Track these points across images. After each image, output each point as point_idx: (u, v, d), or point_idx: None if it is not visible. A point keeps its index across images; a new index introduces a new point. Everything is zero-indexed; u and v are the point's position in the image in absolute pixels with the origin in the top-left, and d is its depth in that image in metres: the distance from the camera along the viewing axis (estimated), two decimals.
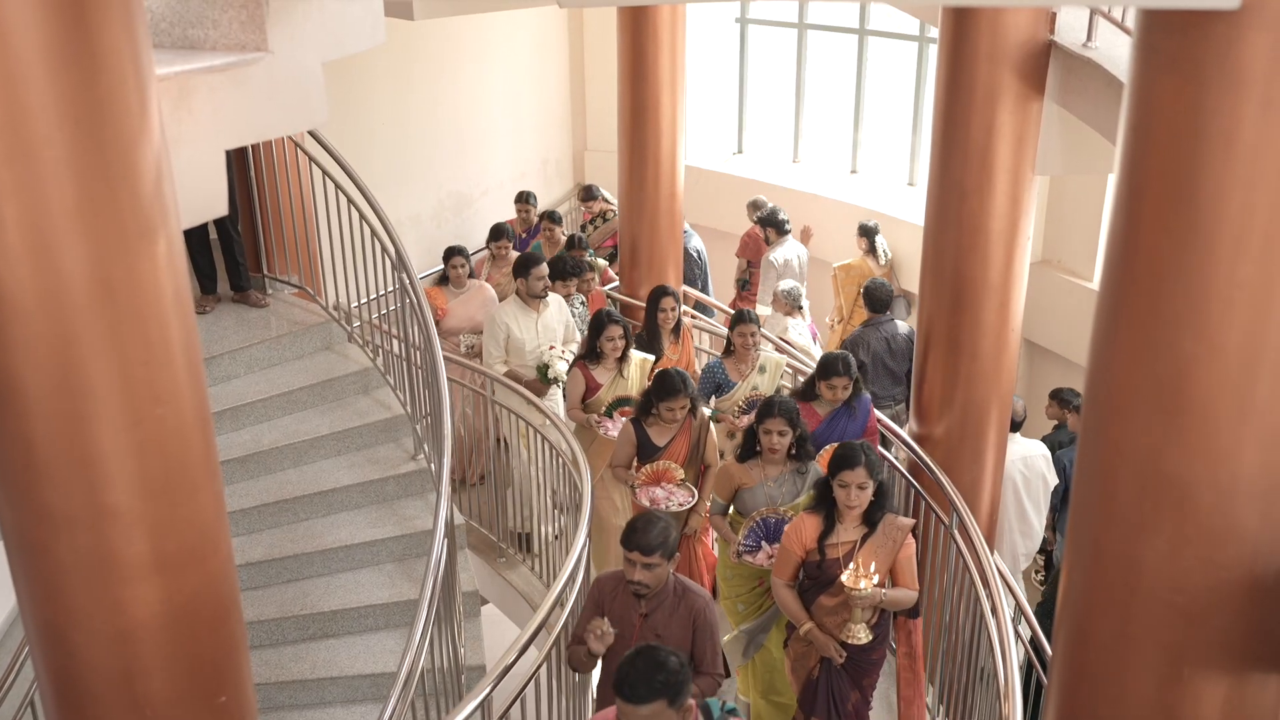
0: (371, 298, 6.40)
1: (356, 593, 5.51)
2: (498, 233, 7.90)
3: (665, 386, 5.22)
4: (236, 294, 6.64)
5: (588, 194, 9.30)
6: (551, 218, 8.45)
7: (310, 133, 6.13)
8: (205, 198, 2.92)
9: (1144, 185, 2.32)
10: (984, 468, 5.75)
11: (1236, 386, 2.29)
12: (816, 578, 4.48)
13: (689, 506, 5.24)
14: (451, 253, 7.12)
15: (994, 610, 4.63)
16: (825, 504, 4.46)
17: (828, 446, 5.15)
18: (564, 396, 6.36)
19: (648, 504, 5.15)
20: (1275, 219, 2.17)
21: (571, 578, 4.52)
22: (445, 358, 6.20)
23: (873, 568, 4.30)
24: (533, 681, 4.17)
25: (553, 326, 6.55)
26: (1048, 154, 5.14)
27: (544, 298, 6.48)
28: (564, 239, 8.31)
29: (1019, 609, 5.13)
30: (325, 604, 5.44)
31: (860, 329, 7.37)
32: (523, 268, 6.45)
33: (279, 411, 6.04)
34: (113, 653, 2.55)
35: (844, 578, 4.28)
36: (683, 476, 5.27)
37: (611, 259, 8.65)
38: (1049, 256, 8.49)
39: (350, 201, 6.06)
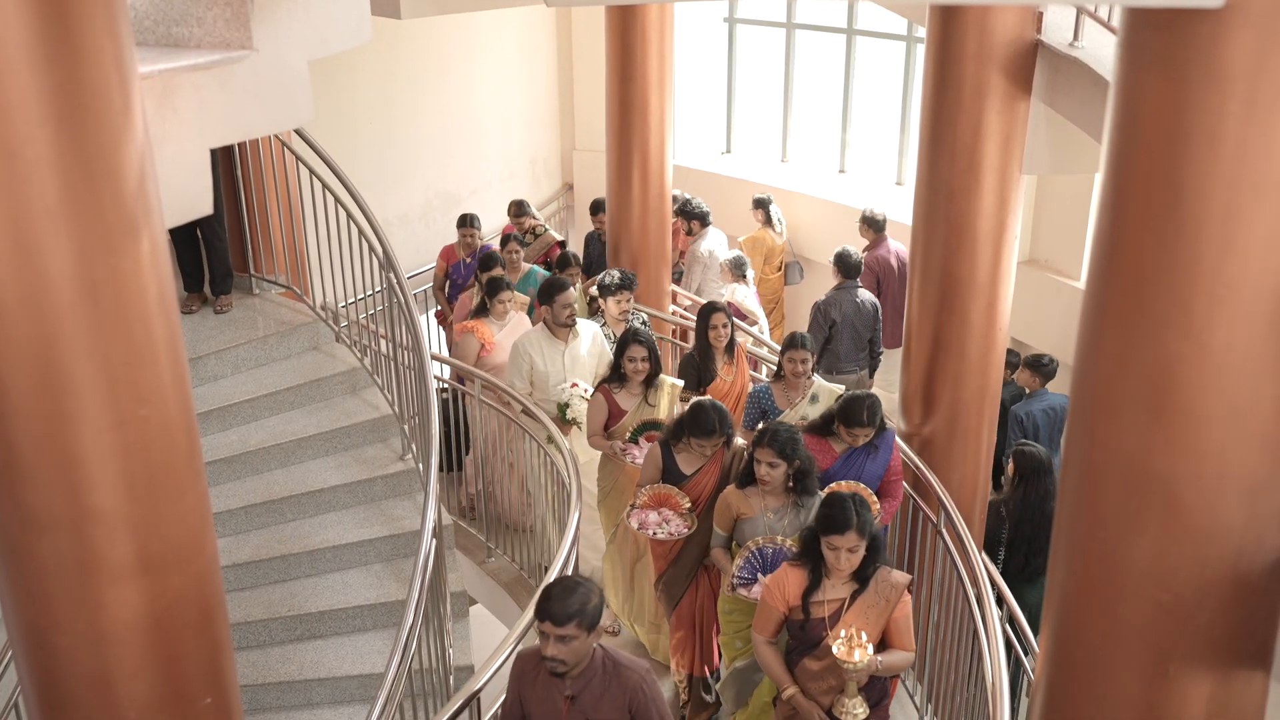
0: (359, 297, 6.37)
1: (344, 593, 5.49)
2: (488, 261, 7.08)
3: (699, 425, 4.71)
4: (214, 297, 6.56)
5: (519, 210, 8.88)
6: (519, 240, 7.94)
7: (297, 131, 6.10)
8: (190, 197, 2.91)
9: (1129, 184, 2.33)
10: (972, 466, 5.77)
11: (1222, 385, 2.30)
12: (800, 639, 4.03)
13: (681, 538, 4.81)
14: (498, 286, 6.47)
15: (981, 608, 4.64)
16: (811, 556, 3.98)
17: (835, 484, 4.79)
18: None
19: (636, 527, 4.81)
20: (1260, 217, 2.17)
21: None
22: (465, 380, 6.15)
23: (864, 637, 3.82)
24: None
25: (582, 358, 6.01)
26: (1035, 153, 5.16)
27: (572, 326, 5.96)
28: (524, 266, 7.78)
29: (1006, 606, 5.14)
30: (313, 605, 5.42)
31: (833, 291, 7.82)
32: (547, 293, 5.94)
33: (266, 412, 6.01)
34: (96, 655, 2.53)
35: (836, 649, 3.78)
36: (689, 505, 4.82)
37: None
38: (1036, 256, 8.51)
39: (338, 201, 6.04)
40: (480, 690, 3.90)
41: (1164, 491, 2.39)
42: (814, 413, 5.43)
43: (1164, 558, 2.44)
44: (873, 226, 8.36)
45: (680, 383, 5.66)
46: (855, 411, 4.88)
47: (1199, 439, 2.34)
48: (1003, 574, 5.91)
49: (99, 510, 2.40)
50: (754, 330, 7.90)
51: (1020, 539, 5.86)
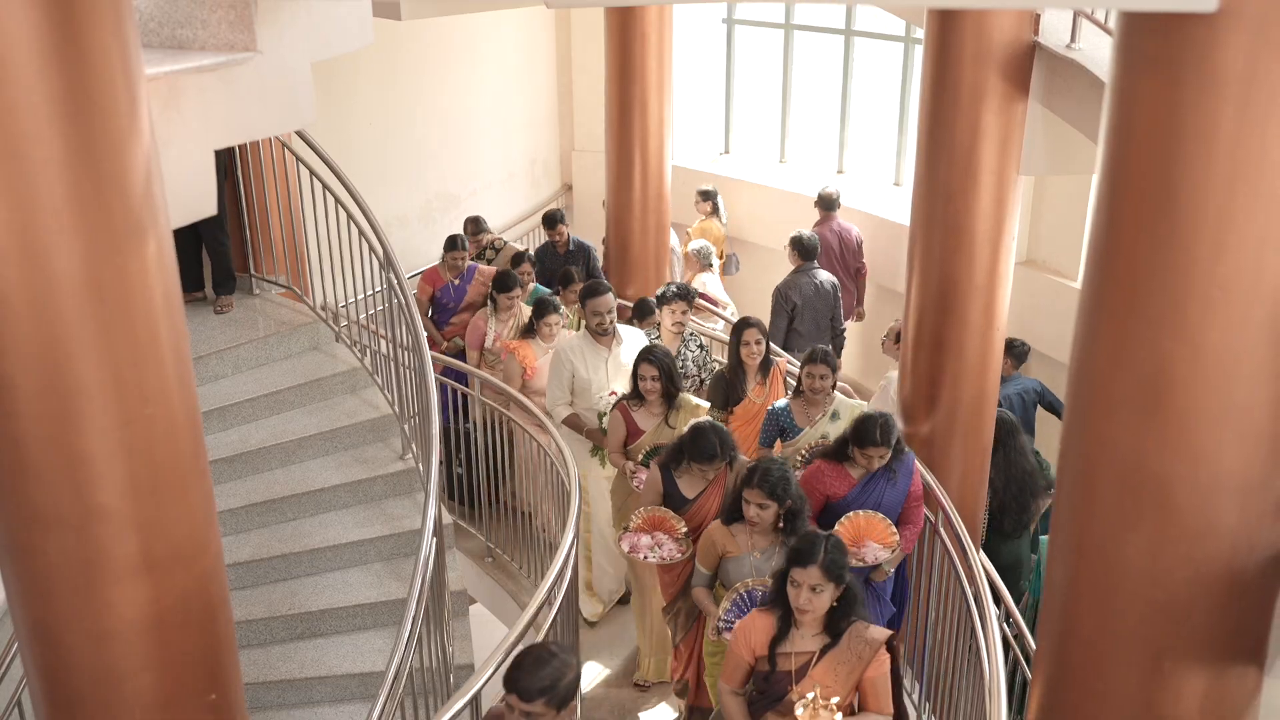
0: (359, 298, 6.39)
1: (344, 592, 5.51)
2: (505, 282, 6.65)
3: (699, 449, 4.55)
4: (215, 297, 6.58)
5: (476, 228, 8.59)
6: (529, 259, 7.61)
7: (297, 132, 6.13)
8: (194, 198, 2.93)
9: (1125, 185, 2.36)
10: (969, 465, 5.79)
11: (1216, 385, 2.33)
12: (764, 690, 3.73)
13: (673, 563, 4.64)
14: (546, 309, 6.21)
15: (979, 606, 4.67)
16: (782, 602, 3.67)
17: (851, 514, 4.66)
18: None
19: (626, 550, 4.66)
20: (1253, 219, 2.20)
21: (559, 577, 4.53)
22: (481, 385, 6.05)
23: (834, 702, 3.52)
24: None
25: (625, 366, 5.73)
26: (1032, 154, 5.17)
27: (606, 334, 5.74)
28: (531, 285, 7.40)
29: (1004, 605, 5.16)
30: (313, 603, 5.44)
31: (792, 274, 8.04)
32: (581, 299, 5.81)
33: (266, 411, 6.03)
34: (102, 652, 2.56)
35: (798, 712, 3.52)
36: (685, 529, 4.65)
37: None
38: (1034, 256, 8.53)
39: (338, 201, 6.06)
40: (481, 688, 3.92)
41: (1159, 490, 2.42)
42: (835, 431, 5.22)
43: (1159, 556, 2.47)
44: (822, 204, 8.66)
45: (704, 404, 5.47)
46: (868, 431, 4.64)
47: (1193, 439, 2.37)
48: (992, 534, 6.10)
49: (105, 509, 2.43)
50: (726, 314, 8.05)
51: (1010, 499, 6.02)
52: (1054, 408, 7.07)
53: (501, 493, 6.54)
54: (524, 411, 6.00)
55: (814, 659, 3.65)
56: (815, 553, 3.57)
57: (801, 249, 7.98)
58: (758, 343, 5.59)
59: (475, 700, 3.91)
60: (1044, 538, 5.97)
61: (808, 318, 7.94)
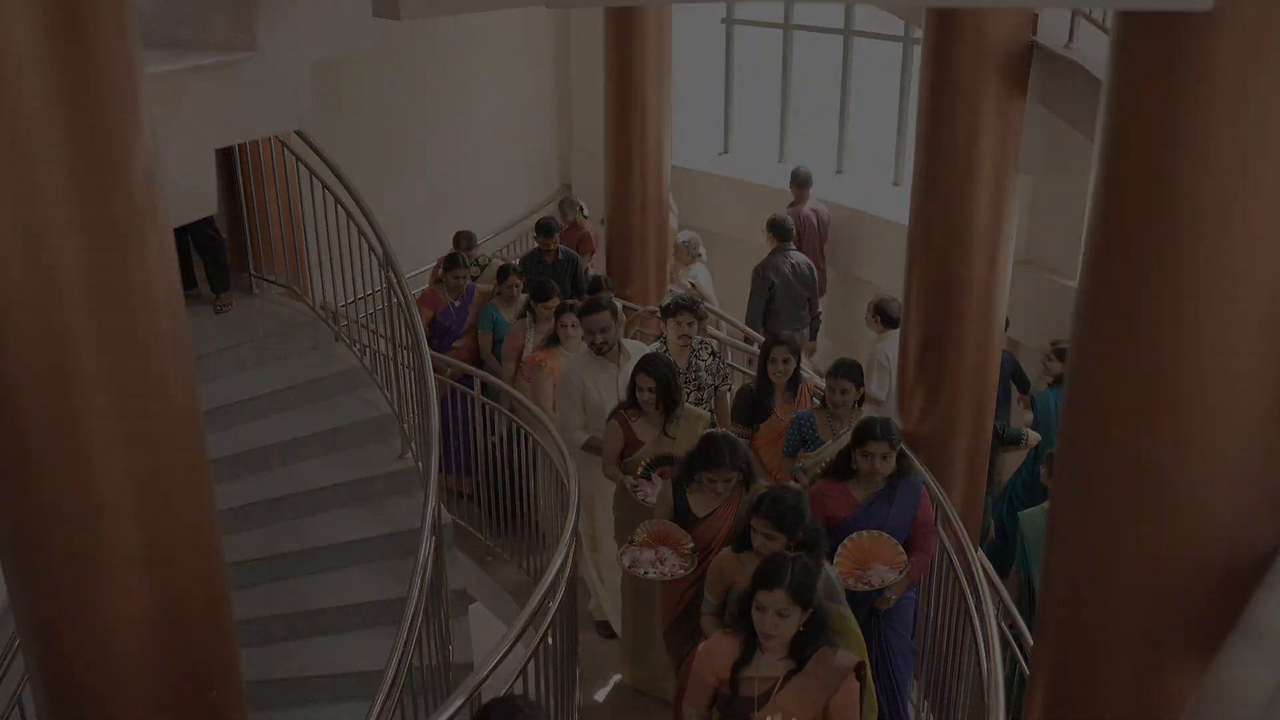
0: (359, 297, 6.40)
1: (344, 591, 5.52)
2: (544, 290, 6.45)
3: (709, 455, 4.37)
4: (214, 296, 6.59)
5: (469, 242, 8.42)
6: (514, 271, 7.25)
7: (297, 132, 6.14)
8: (195, 196, 2.95)
9: (1121, 184, 2.37)
10: (968, 464, 5.81)
11: (1212, 381, 2.34)
12: (727, 715, 3.55)
13: (675, 579, 4.47)
14: (564, 309, 6.02)
15: (977, 605, 4.68)
16: (746, 624, 3.48)
17: (855, 535, 4.45)
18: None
19: (628, 565, 4.48)
20: (1249, 216, 2.21)
21: (559, 574, 4.53)
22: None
23: None
24: (520, 678, 4.18)
25: None
26: (1030, 153, 5.19)
27: (604, 352, 5.47)
28: (523, 298, 7.00)
29: (1001, 603, 5.17)
30: (313, 602, 5.45)
31: (769, 255, 8.12)
32: (579, 314, 5.65)
33: (266, 411, 6.03)
34: (104, 648, 2.57)
35: None
36: (692, 546, 4.45)
37: None
38: (1032, 255, 8.54)
39: (338, 201, 6.07)
40: (480, 686, 3.92)
41: (1156, 485, 2.43)
42: None
43: (1156, 549, 2.48)
44: (797, 182, 8.78)
45: (706, 414, 5.30)
46: (868, 427, 4.49)
47: (1190, 434, 2.38)
48: None
49: (106, 505, 2.44)
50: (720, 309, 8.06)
51: None
52: (1018, 377, 7.45)
53: (527, 513, 6.35)
54: (543, 428, 5.79)
55: (778, 685, 3.45)
56: (781, 575, 3.37)
57: (778, 230, 8.08)
58: (785, 361, 5.43)
59: (474, 699, 3.91)
60: (1022, 512, 5.93)
61: (785, 298, 8.02)
